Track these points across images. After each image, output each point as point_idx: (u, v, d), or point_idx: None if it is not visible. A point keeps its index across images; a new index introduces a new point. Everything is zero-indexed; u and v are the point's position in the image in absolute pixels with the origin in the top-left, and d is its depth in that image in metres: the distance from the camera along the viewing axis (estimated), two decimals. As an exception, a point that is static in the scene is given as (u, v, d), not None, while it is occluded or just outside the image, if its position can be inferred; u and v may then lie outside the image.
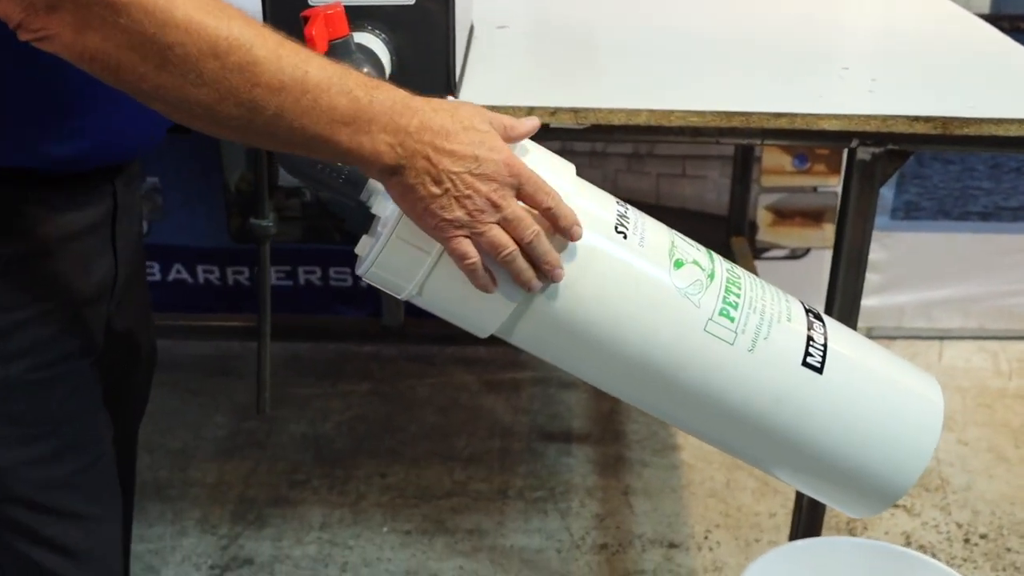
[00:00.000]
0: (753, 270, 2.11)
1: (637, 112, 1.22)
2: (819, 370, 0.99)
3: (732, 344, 0.97)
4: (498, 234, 0.87)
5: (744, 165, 2.15)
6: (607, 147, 2.27)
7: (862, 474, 1.02)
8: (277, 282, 2.44)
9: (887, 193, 2.31)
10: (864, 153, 1.26)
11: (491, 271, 0.89)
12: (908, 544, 1.86)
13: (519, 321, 0.96)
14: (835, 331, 1.03)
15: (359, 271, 0.95)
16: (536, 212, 0.89)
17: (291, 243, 2.40)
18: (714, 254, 1.02)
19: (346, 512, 1.92)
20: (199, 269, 2.43)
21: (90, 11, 0.74)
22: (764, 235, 2.38)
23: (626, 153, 2.30)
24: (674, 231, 1.01)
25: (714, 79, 1.34)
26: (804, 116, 1.21)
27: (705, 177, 2.32)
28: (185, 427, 2.16)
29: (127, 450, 1.25)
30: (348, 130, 0.82)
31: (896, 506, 1.94)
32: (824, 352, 1.00)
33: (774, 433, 1.00)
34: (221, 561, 1.81)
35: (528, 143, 0.96)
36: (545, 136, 1.25)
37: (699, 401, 0.99)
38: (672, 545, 1.85)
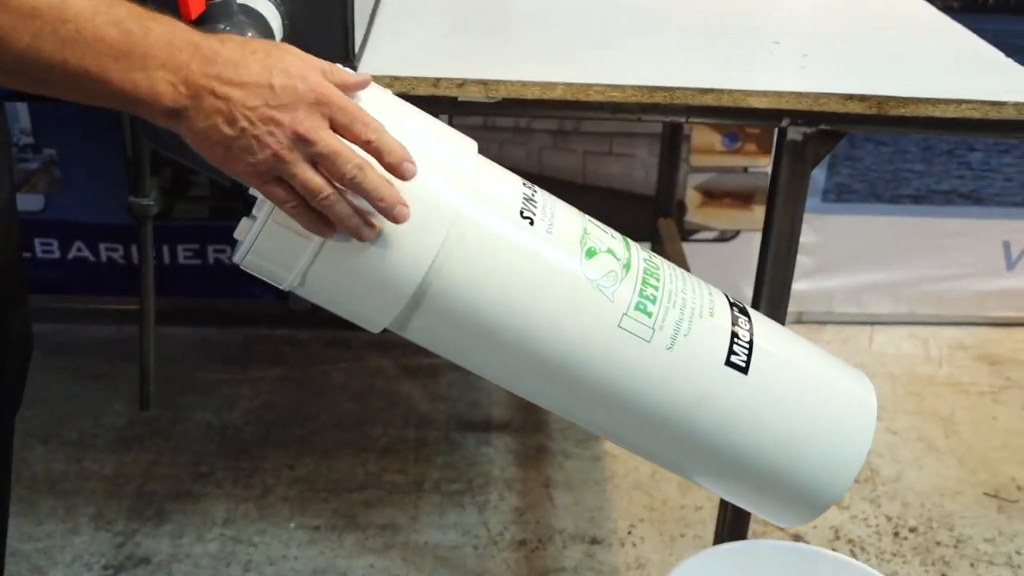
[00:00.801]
0: (681, 253, 2.04)
1: (552, 85, 1.12)
2: (744, 370, 0.91)
3: (649, 341, 0.89)
4: (312, 176, 0.76)
5: (672, 144, 2.07)
6: (531, 123, 2.18)
7: (790, 482, 0.95)
8: (185, 261, 2.31)
9: (819, 175, 2.25)
10: (795, 133, 1.18)
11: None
12: (837, 538, 1.80)
13: (414, 315, 0.86)
14: (762, 327, 0.95)
15: (236, 258, 0.85)
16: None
17: (199, 220, 2.27)
18: (631, 243, 0.93)
19: (251, 507, 1.82)
20: (101, 247, 2.29)
21: None
22: (693, 216, 2.30)
23: (551, 130, 2.21)
24: (588, 217, 0.92)
25: (637, 52, 1.25)
26: (732, 92, 1.13)
27: (633, 156, 2.24)
28: (83, 415, 2.03)
29: None
30: (120, 67, 0.71)
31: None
32: (749, 350, 0.92)
33: (695, 438, 0.92)
34: (115, 560, 1.70)
35: (401, 106, 0.86)
36: (455, 111, 1.16)
37: (613, 403, 0.90)
38: (594, 541, 1.77)
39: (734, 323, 0.93)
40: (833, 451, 0.94)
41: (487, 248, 0.85)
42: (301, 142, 0.75)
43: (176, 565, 1.69)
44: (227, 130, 0.74)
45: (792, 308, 2.37)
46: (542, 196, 0.90)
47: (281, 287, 0.86)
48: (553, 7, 1.40)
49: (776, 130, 1.20)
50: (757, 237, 2.32)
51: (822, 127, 1.17)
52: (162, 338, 1.85)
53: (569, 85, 1.12)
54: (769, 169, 2.27)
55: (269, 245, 0.83)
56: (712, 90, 1.13)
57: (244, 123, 0.74)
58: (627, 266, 0.89)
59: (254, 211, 0.83)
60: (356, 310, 0.87)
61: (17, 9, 0.68)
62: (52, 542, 1.73)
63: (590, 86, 1.12)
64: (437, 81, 1.12)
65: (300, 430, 2.02)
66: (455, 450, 1.98)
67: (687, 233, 2.30)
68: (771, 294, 1.27)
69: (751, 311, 0.97)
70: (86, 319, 2.29)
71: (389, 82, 1.12)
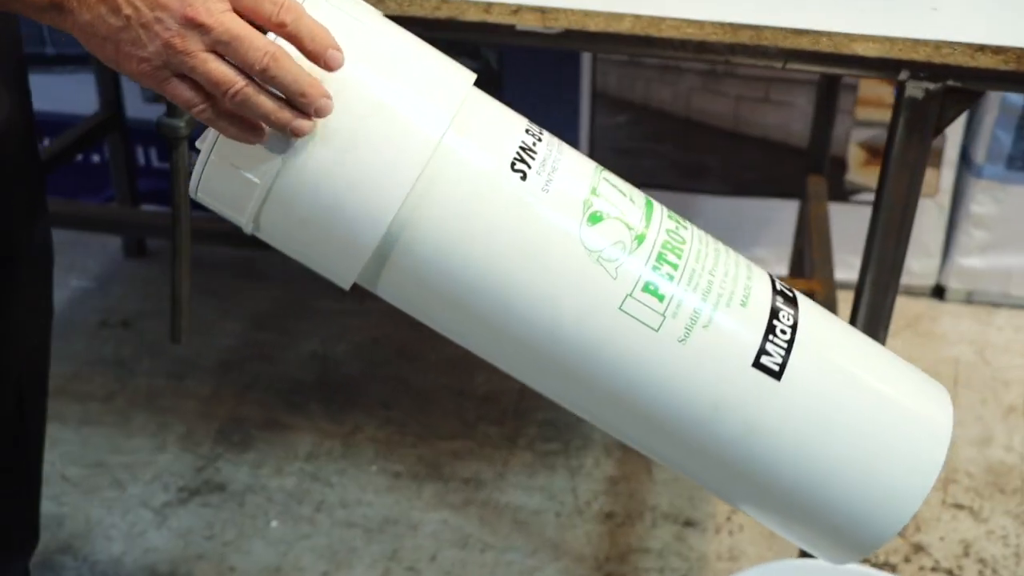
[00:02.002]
0: (824, 216, 1.83)
1: (619, 17, 0.97)
2: (776, 374, 0.75)
3: (657, 330, 0.74)
4: (215, 66, 0.65)
5: (829, 93, 1.84)
6: (680, 61, 2.00)
7: (825, 514, 0.78)
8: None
9: (1004, 137, 1.97)
10: (915, 89, 0.98)
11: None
12: (966, 555, 1.59)
13: (383, 271, 0.74)
14: (812, 324, 0.79)
15: (190, 189, 0.75)
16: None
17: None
18: (657, 209, 0.78)
19: (337, 444, 1.76)
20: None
21: None
22: (854, 175, 2.07)
23: (702, 70, 2.02)
24: (607, 175, 0.77)
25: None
26: (832, 36, 0.95)
27: (791, 104, 2.02)
28: (195, 332, 2.00)
29: (25, 369, 1.09)
30: None
31: (959, 506, 1.67)
32: (787, 351, 0.75)
33: (710, 449, 0.77)
34: (193, 484, 1.67)
35: (378, 21, 0.74)
36: (513, 39, 1.02)
37: (612, 398, 0.76)
38: (688, 523, 1.62)
39: (773, 315, 0.76)
40: (884, 484, 0.77)
41: (463, 202, 0.72)
42: (194, 27, 0.65)
43: (250, 496, 1.65)
44: (112, 20, 0.65)
45: (961, 285, 2.13)
46: (546, 147, 0.75)
47: (245, 230, 0.76)
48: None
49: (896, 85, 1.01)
50: (928, 204, 2.09)
51: (949, 83, 0.97)
52: (286, 261, 1.80)
53: (639, 18, 0.97)
54: (947, 129, 2.02)
55: (215, 184, 0.73)
56: (808, 32, 0.95)
57: (128, 10, 0.65)
58: (640, 237, 0.74)
59: (197, 143, 0.73)
60: (319, 261, 0.76)
61: None
62: (137, 457, 1.72)
63: (663, 20, 0.96)
64: (489, 6, 0.98)
65: (404, 368, 1.94)
66: (557, 407, 1.84)
67: (847, 193, 2.08)
68: (877, 277, 1.09)
69: (805, 301, 0.80)
70: (210, 239, 2.27)
71: (437, 4, 0.99)
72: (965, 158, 2.05)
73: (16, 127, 0.97)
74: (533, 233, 0.72)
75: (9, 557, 1.19)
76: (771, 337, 0.75)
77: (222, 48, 0.66)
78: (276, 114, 0.67)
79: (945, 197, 2.07)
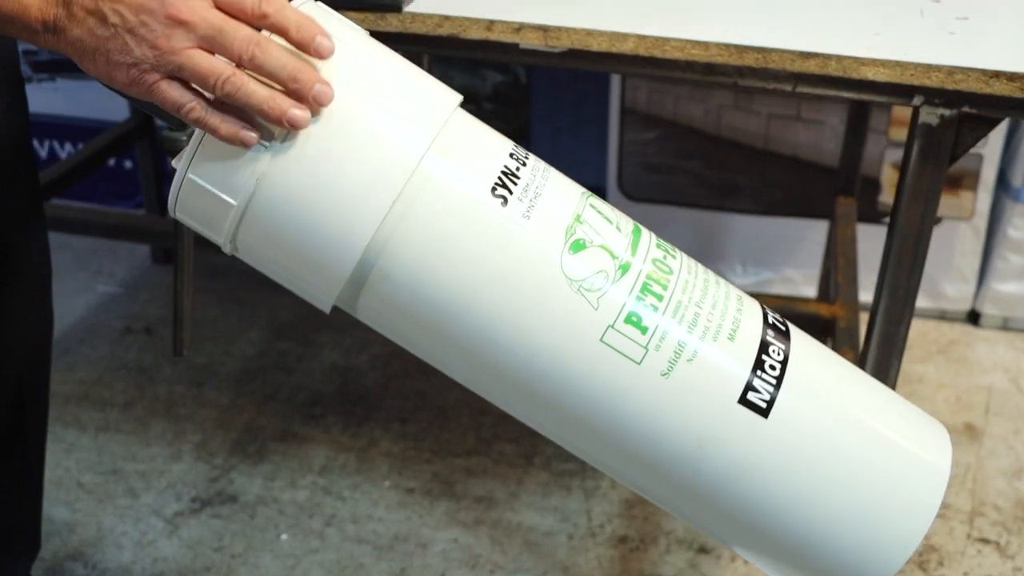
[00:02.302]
0: (852, 240, 1.79)
1: (623, 37, 0.95)
2: (764, 411, 0.72)
3: (639, 363, 0.71)
4: (202, 59, 0.66)
5: (862, 112, 1.81)
6: (710, 78, 1.97)
7: (812, 557, 0.75)
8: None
9: (1044, 160, 1.92)
10: (930, 115, 0.95)
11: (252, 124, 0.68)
12: (990, 590, 1.54)
13: (360, 295, 0.73)
14: (805, 357, 0.76)
15: (168, 208, 0.74)
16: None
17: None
18: (645, 236, 0.76)
19: (351, 458, 1.75)
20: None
21: None
22: (888, 197, 2.03)
23: (732, 87, 1.98)
24: (594, 201, 0.75)
25: (736, 3, 1.04)
26: (841, 59, 0.92)
27: (823, 123, 1.99)
28: (217, 340, 2.02)
29: (25, 377, 1.09)
30: None
31: (985, 540, 1.62)
32: (776, 386, 0.73)
33: (693, 486, 0.75)
34: (205, 494, 1.67)
35: (361, 39, 0.73)
36: (516, 58, 1.00)
37: (593, 431, 0.74)
38: (702, 550, 1.59)
39: (763, 350, 0.74)
40: (878, 527, 0.74)
41: (441, 227, 0.70)
42: (178, 25, 0.66)
43: (261, 508, 1.64)
44: (100, 31, 0.66)
45: (996, 311, 2.08)
46: (530, 172, 0.73)
47: (225, 251, 0.75)
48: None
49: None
50: (963, 227, 2.04)
51: (965, 110, 0.94)
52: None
53: (643, 38, 0.94)
54: (984, 150, 1.97)
55: (191, 204, 0.72)
56: (816, 55, 0.92)
57: (115, 18, 0.66)
58: (625, 267, 0.72)
59: (172, 162, 0.72)
60: (297, 284, 0.75)
61: None
62: (153, 465, 1.72)
63: (667, 40, 0.94)
64: (491, 24, 0.97)
65: (423, 383, 1.92)
66: (576, 426, 1.83)
67: (880, 215, 2.04)
68: (890, 306, 1.05)
69: (799, 335, 0.78)
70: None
71: (439, 22, 0.98)
72: (1002, 181, 2.00)
73: (8, 130, 0.97)
74: (512, 260, 0.71)
75: (9, 563, 1.19)
76: (759, 372, 0.73)
77: (208, 43, 0.66)
78: (269, 103, 0.67)
79: (981, 221, 2.02)
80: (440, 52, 0.96)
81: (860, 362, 1.10)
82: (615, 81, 2.01)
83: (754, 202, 2.07)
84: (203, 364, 1.96)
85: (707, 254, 2.09)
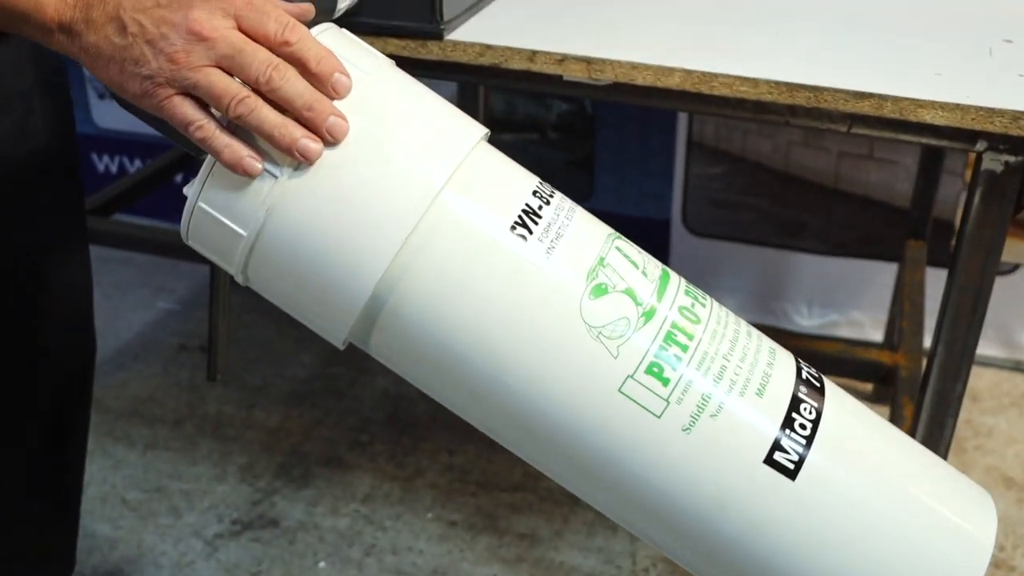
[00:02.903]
0: (920, 284, 1.72)
1: (669, 71, 0.91)
2: (791, 473, 0.68)
3: (659, 416, 0.68)
4: (218, 78, 0.64)
5: (933, 153, 1.74)
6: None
7: (840, 629, 0.70)
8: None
9: None
10: (993, 162, 0.90)
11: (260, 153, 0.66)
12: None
13: (372, 332, 0.70)
14: (838, 415, 0.71)
15: (181, 234, 0.73)
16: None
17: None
18: (674, 282, 0.72)
19: (396, 487, 1.72)
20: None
21: None
22: (962, 242, 1.95)
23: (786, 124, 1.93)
24: (621, 243, 0.72)
25: (790, 38, 1.00)
26: (897, 100, 0.87)
27: (896, 163, 1.92)
28: (269, 363, 2.02)
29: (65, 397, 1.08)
30: None
31: (1010, 570, 1.54)
32: (806, 446, 0.68)
33: (715, 547, 0.70)
34: (246, 517, 1.66)
35: (382, 66, 0.71)
36: (560, 89, 0.97)
37: (610, 484, 0.71)
38: (749, 601, 1.53)
39: (794, 407, 0.69)
40: (911, 601, 0.69)
41: (455, 264, 0.67)
42: (199, 41, 0.64)
43: (301, 534, 1.63)
44: (118, 39, 0.64)
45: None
46: (554, 211, 0.70)
47: (238, 281, 0.73)
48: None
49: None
50: (1041, 274, 1.96)
51: (1032, 157, 0.89)
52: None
53: (689, 73, 0.91)
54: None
55: (203, 232, 0.70)
56: (871, 95, 0.87)
57: (134, 28, 0.64)
58: (649, 314, 0.68)
59: (184, 189, 0.70)
60: (309, 318, 0.73)
61: None
62: (197, 486, 1.72)
63: (715, 76, 0.90)
64: (534, 55, 0.94)
65: (473, 413, 1.89)
66: (626, 465, 1.78)
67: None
68: (945, 362, 1.00)
69: (835, 392, 0.73)
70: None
71: (480, 51, 0.95)
72: (1085, 229, 1.91)
73: (48, 144, 0.96)
74: (529, 302, 0.67)
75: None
76: (788, 431, 0.68)
77: (226, 62, 0.65)
78: (280, 129, 0.65)
79: (1060, 269, 1.94)
80: (482, 82, 0.93)
81: (915, 415, 1.05)
82: (682, 114, 1.97)
83: (821, 242, 2.01)
84: (255, 386, 1.96)
85: (772, 294, 2.04)
